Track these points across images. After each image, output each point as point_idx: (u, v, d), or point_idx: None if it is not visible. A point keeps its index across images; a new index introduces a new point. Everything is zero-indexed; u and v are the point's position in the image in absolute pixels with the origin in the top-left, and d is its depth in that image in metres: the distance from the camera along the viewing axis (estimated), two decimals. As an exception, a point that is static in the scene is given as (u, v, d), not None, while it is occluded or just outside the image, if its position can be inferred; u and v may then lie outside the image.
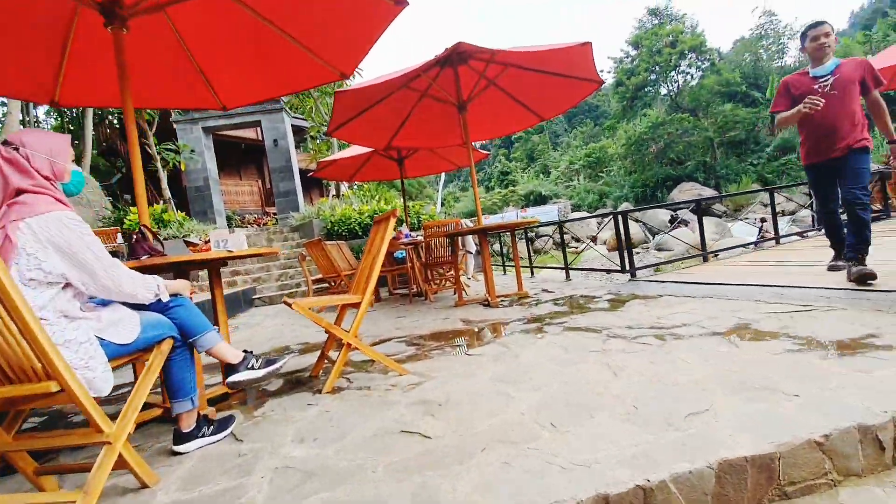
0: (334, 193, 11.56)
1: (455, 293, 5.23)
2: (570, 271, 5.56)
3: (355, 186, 12.32)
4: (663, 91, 35.61)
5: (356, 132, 5.29)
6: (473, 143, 7.45)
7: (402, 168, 7.63)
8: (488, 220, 27.62)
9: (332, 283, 6.13)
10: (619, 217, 4.42)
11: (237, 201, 15.93)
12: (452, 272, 5.66)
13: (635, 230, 23.27)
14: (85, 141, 12.87)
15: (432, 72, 4.84)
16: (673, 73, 33.94)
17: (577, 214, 27.41)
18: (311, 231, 10.28)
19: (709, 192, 27.83)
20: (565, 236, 25.57)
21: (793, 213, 24.25)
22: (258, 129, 12.27)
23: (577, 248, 24.53)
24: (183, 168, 10.76)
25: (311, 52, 3.55)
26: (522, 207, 29.12)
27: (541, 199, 30.27)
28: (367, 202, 10.71)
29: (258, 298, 8.50)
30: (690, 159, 31.01)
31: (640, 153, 32.36)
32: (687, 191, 28.33)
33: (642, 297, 3.82)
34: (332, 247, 7.25)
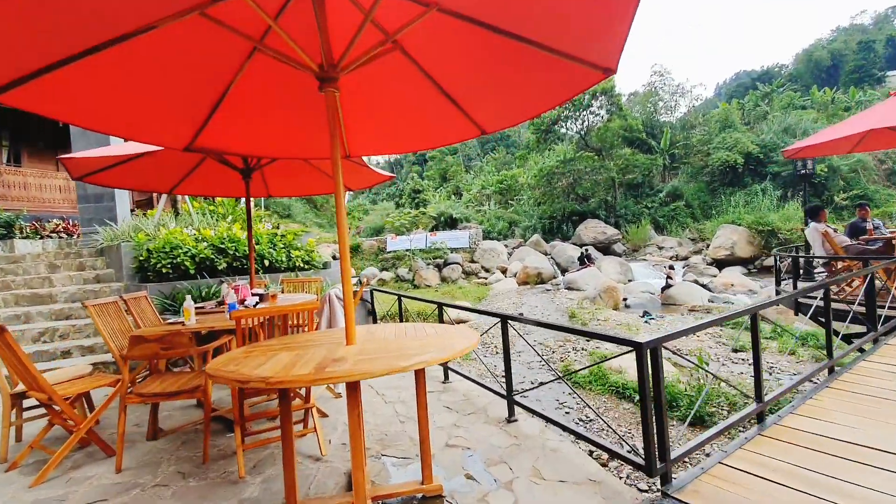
0: (165, 207, 8.10)
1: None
2: (515, 405, 3.11)
3: (202, 198, 8.93)
4: (574, 128, 36.26)
5: (82, 101, 2.39)
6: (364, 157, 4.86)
7: (249, 182, 4.75)
8: (396, 241, 24.95)
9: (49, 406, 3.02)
10: (647, 354, 2.08)
11: (42, 199, 11.46)
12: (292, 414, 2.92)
13: (545, 266, 22.24)
14: None
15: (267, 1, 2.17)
16: (585, 112, 34.65)
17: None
18: (119, 260, 6.81)
19: (612, 231, 28.12)
20: (473, 265, 23.86)
21: (686, 258, 25.08)
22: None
23: (486, 278, 22.90)
24: None
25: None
26: (432, 230, 27.03)
27: (451, 222, 28.40)
28: (213, 224, 7.48)
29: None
30: (594, 197, 31.48)
31: (549, 186, 32.28)
32: (592, 227, 28.39)
33: None
34: (104, 308, 4.11)
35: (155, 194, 10.71)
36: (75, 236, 11.00)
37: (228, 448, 3.02)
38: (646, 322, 11.78)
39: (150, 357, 2.80)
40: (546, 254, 25.48)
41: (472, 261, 24.22)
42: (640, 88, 40.70)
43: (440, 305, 4.05)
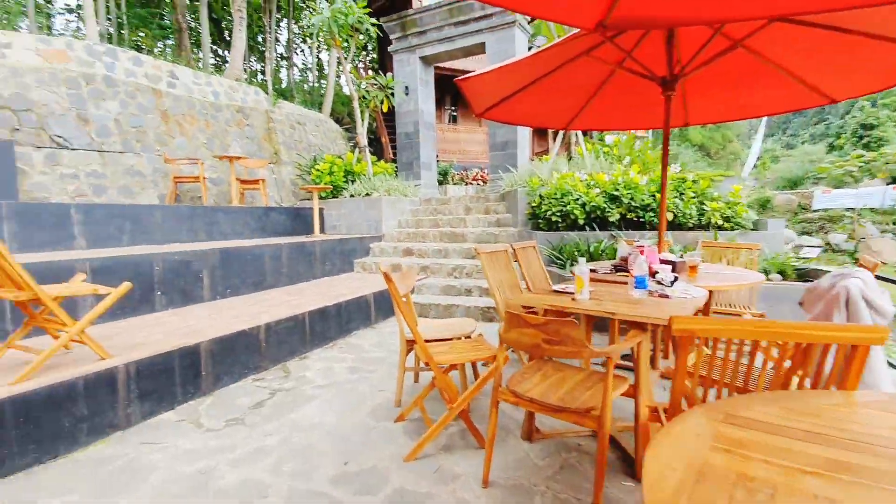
0: (559, 151, 7.58)
1: None
2: None
3: (601, 136, 7.95)
4: None
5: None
6: None
7: (670, 97, 3.26)
8: (828, 196, 18.02)
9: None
10: None
11: (468, 152, 13.68)
12: None
13: None
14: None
15: None
16: None
17: None
18: (515, 205, 6.85)
19: None
20: None
21: None
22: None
23: None
24: (385, 108, 8.77)
25: None
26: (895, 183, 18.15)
27: (930, 171, 18.07)
28: (607, 168, 6.46)
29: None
30: None
31: None
32: None
33: None
34: (494, 257, 3.78)
35: (550, 142, 10.75)
36: (487, 184, 12.68)
37: (626, 502, 1.87)
38: None
39: (529, 349, 1.89)
40: None
41: None
42: None
43: None
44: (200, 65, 13.37)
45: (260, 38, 19.72)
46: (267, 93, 11.04)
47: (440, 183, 11.47)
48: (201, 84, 8.67)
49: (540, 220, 6.03)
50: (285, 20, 20.19)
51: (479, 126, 14.40)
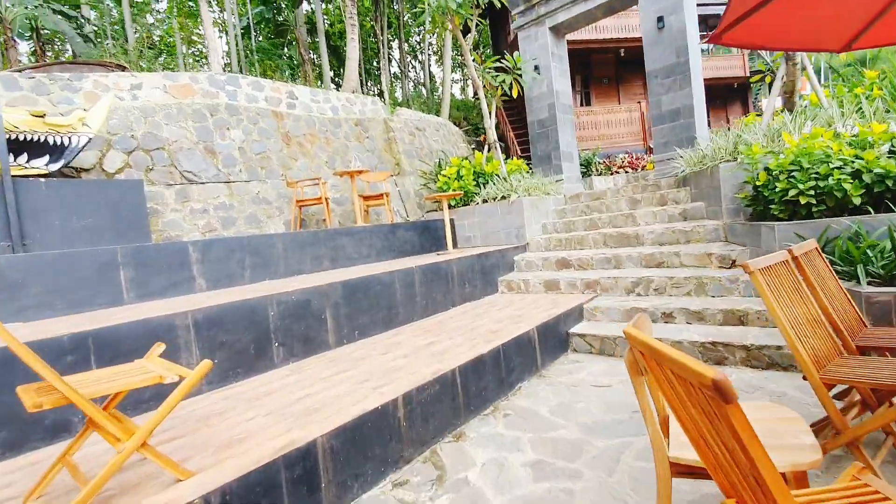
0: (781, 103, 5.33)
1: None
2: None
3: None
4: None
5: None
6: None
7: None
8: None
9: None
10: None
11: (609, 136, 11.58)
12: None
13: None
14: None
15: None
16: None
17: None
18: (716, 189, 4.93)
19: None
20: None
21: None
22: (637, 13, 7.32)
23: None
24: (514, 94, 7.36)
25: None
26: None
27: None
28: (877, 116, 4.21)
29: (580, 336, 4.24)
30: None
31: None
32: None
33: None
34: (773, 274, 2.15)
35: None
36: (638, 170, 10.55)
37: None
38: None
39: None
40: None
41: None
42: None
43: None
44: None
45: (374, 63, 20.01)
46: (384, 102, 10.45)
47: (583, 175, 9.73)
48: (319, 101, 8.24)
49: (771, 206, 4.06)
50: (396, 41, 20.28)
51: (617, 104, 12.24)
